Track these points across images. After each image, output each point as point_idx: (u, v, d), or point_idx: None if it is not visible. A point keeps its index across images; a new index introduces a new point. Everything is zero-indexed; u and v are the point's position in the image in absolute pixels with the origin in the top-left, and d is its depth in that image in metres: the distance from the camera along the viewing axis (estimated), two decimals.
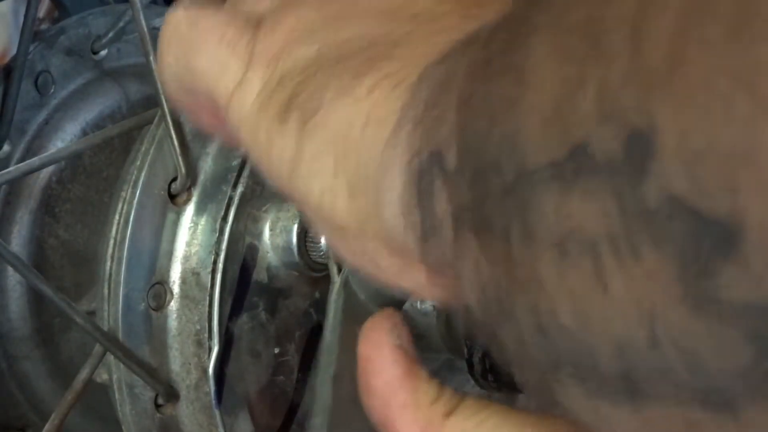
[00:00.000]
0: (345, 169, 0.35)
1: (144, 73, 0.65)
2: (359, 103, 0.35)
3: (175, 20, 0.42)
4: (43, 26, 0.76)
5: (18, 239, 0.68)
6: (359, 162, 0.34)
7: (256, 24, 0.40)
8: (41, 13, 0.79)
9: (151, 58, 0.55)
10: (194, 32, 0.41)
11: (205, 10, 0.42)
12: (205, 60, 0.40)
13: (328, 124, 0.35)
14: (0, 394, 0.70)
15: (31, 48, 0.68)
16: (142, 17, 0.56)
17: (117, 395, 0.56)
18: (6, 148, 0.67)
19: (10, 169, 0.59)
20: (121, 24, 0.72)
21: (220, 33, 0.40)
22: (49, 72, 0.70)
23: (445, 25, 0.36)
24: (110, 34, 0.72)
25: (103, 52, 0.72)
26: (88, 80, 0.72)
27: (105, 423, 0.68)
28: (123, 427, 0.56)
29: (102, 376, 0.57)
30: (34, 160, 0.57)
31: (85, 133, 0.71)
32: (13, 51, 0.69)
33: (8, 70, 0.67)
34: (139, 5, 0.56)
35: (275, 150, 0.37)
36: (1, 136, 0.67)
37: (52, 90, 0.70)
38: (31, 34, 0.67)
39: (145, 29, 0.56)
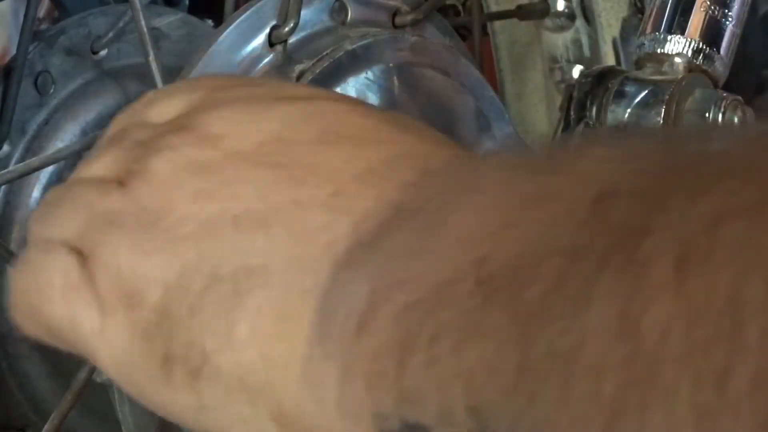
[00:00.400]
0: (265, 411, 0.33)
1: (144, 73, 0.65)
2: (246, 351, 0.33)
3: (15, 280, 0.39)
4: (43, 26, 0.76)
5: (18, 239, 0.68)
6: (280, 405, 0.33)
7: (82, 255, 0.37)
8: (41, 13, 0.79)
9: (151, 57, 0.55)
10: (33, 292, 0.38)
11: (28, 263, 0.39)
12: (53, 317, 0.37)
13: (222, 375, 0.34)
14: (0, 394, 0.70)
15: (31, 48, 0.68)
16: (141, 17, 0.56)
17: (117, 395, 0.56)
18: (6, 148, 0.67)
19: (10, 169, 0.59)
20: (121, 24, 0.72)
21: (56, 283, 0.37)
22: (49, 72, 0.70)
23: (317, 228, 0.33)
24: (110, 34, 0.72)
25: (103, 52, 0.72)
26: (88, 80, 0.71)
27: (105, 423, 0.68)
28: (123, 427, 0.56)
29: (102, 376, 0.57)
30: (34, 160, 0.57)
31: (85, 133, 0.71)
32: (13, 51, 0.69)
33: (8, 70, 0.67)
34: (138, 5, 0.56)
35: (168, 402, 0.35)
36: (1, 136, 0.67)
37: (52, 90, 0.70)
38: (30, 34, 0.67)
39: (145, 29, 0.56)
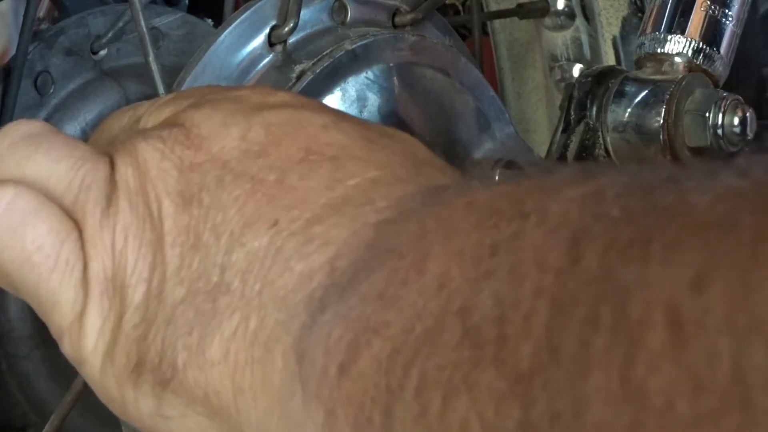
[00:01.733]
0: (225, 426, 0.33)
1: (143, 73, 0.65)
2: (216, 372, 0.33)
3: None
4: (43, 26, 0.76)
5: None
6: (242, 427, 0.33)
7: (75, 222, 0.37)
8: (41, 13, 0.79)
9: (151, 58, 0.55)
10: (20, 249, 0.37)
11: (30, 217, 0.37)
12: (35, 285, 0.37)
13: (188, 389, 0.34)
14: (0, 394, 0.70)
15: (31, 48, 0.68)
16: (141, 17, 0.56)
17: None
18: None
19: None
20: (121, 24, 0.71)
21: (50, 255, 0.37)
22: (49, 72, 0.70)
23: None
24: (110, 34, 0.72)
25: (103, 52, 0.72)
26: (87, 80, 0.71)
27: (105, 423, 0.68)
28: (123, 428, 0.56)
29: None
30: None
31: (84, 133, 0.71)
32: (13, 51, 0.69)
33: (8, 70, 0.67)
34: (138, 5, 0.56)
35: (130, 404, 0.35)
36: None
37: (52, 90, 0.70)
38: (30, 34, 0.67)
39: (144, 29, 0.56)
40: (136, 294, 0.35)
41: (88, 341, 0.36)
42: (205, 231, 0.35)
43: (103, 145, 0.41)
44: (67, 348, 0.37)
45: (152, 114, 0.42)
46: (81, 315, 0.36)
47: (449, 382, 0.26)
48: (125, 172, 0.37)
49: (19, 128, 0.40)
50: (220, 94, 0.40)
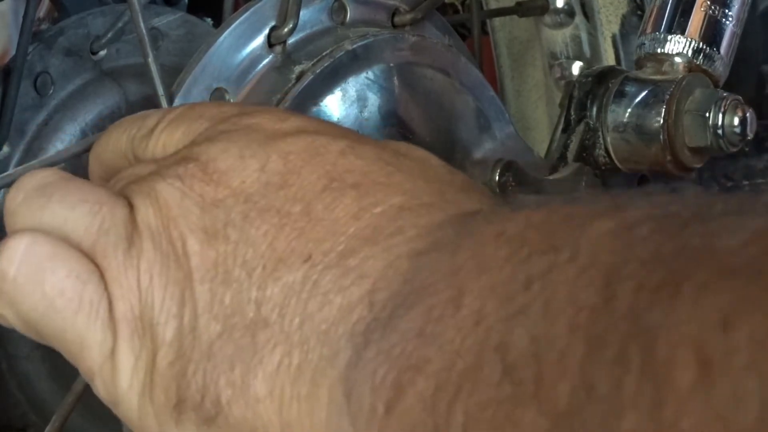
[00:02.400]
0: None
1: (143, 73, 0.64)
2: (263, 407, 0.33)
3: (14, 268, 0.37)
4: (43, 26, 0.76)
5: None
6: None
7: (96, 265, 0.36)
8: (41, 14, 0.79)
9: (150, 58, 0.55)
10: (41, 295, 0.37)
11: (48, 260, 0.37)
12: (61, 330, 0.37)
13: (235, 424, 0.34)
14: (0, 394, 0.70)
15: (30, 48, 0.68)
16: (140, 17, 0.56)
17: None
18: (5, 149, 0.67)
19: (10, 172, 0.59)
20: (120, 24, 0.71)
21: (73, 298, 0.36)
22: (48, 72, 0.69)
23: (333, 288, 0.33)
24: (109, 35, 0.72)
25: (102, 53, 0.72)
26: (87, 80, 0.71)
27: (105, 423, 0.68)
28: (123, 428, 0.56)
29: None
30: (33, 163, 0.57)
31: (84, 133, 0.71)
32: (13, 51, 0.69)
33: (7, 70, 0.67)
34: (137, 5, 0.56)
35: None
36: (0, 138, 0.67)
37: (51, 90, 0.70)
38: (30, 34, 0.67)
39: (144, 29, 0.55)
40: (167, 331, 0.35)
41: (122, 381, 0.36)
42: (235, 266, 0.35)
43: (111, 161, 0.41)
44: (100, 389, 0.37)
45: (164, 132, 0.41)
46: (112, 355, 0.36)
47: (493, 420, 0.26)
48: (146, 212, 0.37)
49: (32, 180, 0.39)
50: (232, 122, 0.40)
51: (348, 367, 0.31)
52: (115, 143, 0.43)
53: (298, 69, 0.59)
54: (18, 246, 0.37)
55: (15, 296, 0.37)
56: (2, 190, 0.67)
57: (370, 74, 0.60)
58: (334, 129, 0.39)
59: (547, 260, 0.27)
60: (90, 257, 0.37)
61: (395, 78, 0.61)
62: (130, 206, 0.38)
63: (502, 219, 0.30)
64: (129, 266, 0.36)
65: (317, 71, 0.59)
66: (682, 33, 0.62)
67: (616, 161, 0.64)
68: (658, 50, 0.63)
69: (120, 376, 0.36)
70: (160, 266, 0.36)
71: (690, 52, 0.62)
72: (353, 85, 0.60)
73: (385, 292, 0.31)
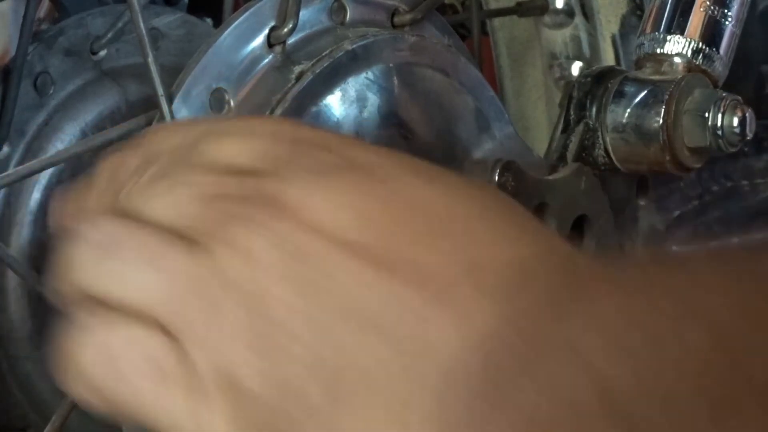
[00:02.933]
0: None
1: (143, 74, 0.65)
2: None
3: (73, 348, 0.36)
4: (43, 26, 0.76)
5: (18, 241, 0.68)
6: None
7: (169, 332, 0.34)
8: (41, 14, 0.79)
9: (150, 59, 0.55)
10: (107, 372, 0.36)
11: (103, 336, 0.36)
12: (134, 403, 0.36)
13: None
14: (1, 394, 0.70)
15: (30, 49, 0.68)
16: (140, 17, 0.56)
17: None
18: (5, 149, 0.67)
19: (10, 172, 0.59)
20: (120, 24, 0.71)
21: (143, 370, 0.35)
22: (48, 73, 0.69)
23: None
24: (109, 35, 0.72)
25: (102, 53, 0.72)
26: (87, 81, 0.71)
27: (105, 423, 0.68)
28: (123, 428, 0.56)
29: None
30: (34, 163, 0.57)
31: (84, 133, 0.71)
32: (13, 51, 0.69)
33: (7, 70, 0.67)
34: (137, 5, 0.56)
35: None
36: (0, 138, 0.67)
37: (51, 91, 0.70)
38: (30, 34, 0.67)
39: (144, 30, 0.56)
40: (254, 386, 0.33)
41: None
42: (335, 319, 0.33)
43: (166, 177, 0.38)
44: None
45: (219, 152, 0.38)
46: (204, 424, 0.34)
47: None
48: (229, 265, 0.34)
49: (88, 235, 0.37)
50: (301, 150, 0.37)
51: (459, 425, 0.31)
52: (157, 148, 0.40)
53: (297, 69, 0.59)
54: (92, 340, 0.36)
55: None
56: (2, 190, 0.67)
57: (370, 74, 0.61)
58: (411, 164, 0.37)
59: (660, 314, 0.29)
60: (166, 326, 0.35)
61: (395, 78, 0.62)
62: (202, 251, 0.35)
63: (622, 284, 0.31)
64: (212, 328, 0.35)
65: (317, 71, 0.59)
66: (682, 33, 0.62)
67: (615, 161, 0.64)
68: (658, 50, 0.63)
69: None
70: (244, 323, 0.34)
71: (689, 53, 0.62)
72: (353, 85, 0.60)
73: (500, 351, 0.31)
